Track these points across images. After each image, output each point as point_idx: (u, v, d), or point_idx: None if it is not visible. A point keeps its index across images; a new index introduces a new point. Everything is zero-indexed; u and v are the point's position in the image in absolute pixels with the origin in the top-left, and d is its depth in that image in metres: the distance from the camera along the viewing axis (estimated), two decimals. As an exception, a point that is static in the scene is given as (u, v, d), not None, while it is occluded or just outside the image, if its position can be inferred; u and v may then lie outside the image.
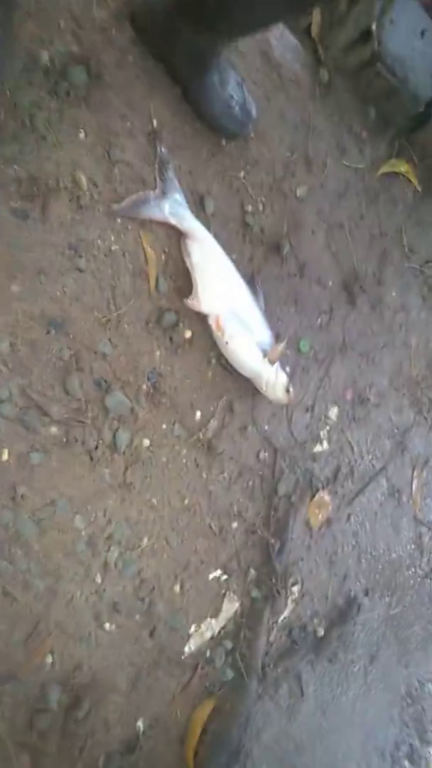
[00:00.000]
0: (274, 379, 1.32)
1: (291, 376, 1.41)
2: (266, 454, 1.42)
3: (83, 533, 1.15)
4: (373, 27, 1.33)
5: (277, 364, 1.33)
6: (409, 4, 1.36)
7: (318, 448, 1.51)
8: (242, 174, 1.34)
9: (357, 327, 1.57)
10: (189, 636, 1.33)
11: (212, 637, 1.36)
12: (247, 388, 1.36)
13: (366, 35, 1.35)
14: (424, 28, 1.41)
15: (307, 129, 1.43)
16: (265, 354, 1.29)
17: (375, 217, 1.58)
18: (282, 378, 1.33)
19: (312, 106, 1.44)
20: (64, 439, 1.11)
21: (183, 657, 1.32)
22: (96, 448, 1.14)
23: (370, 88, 1.46)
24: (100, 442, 1.15)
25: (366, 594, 1.64)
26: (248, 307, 1.29)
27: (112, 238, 1.16)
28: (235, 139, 1.32)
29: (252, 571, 1.41)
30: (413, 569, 1.75)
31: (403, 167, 1.59)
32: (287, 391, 1.34)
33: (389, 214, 1.62)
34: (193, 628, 1.33)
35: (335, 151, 1.50)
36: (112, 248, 1.17)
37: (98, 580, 1.17)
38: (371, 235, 1.59)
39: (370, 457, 1.62)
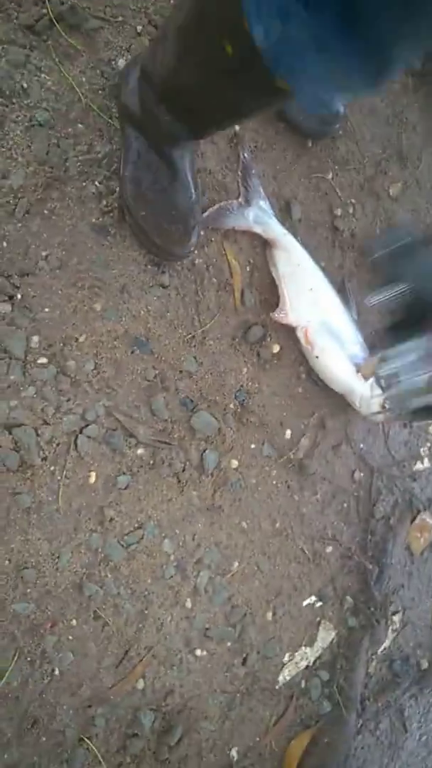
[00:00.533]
0: (368, 395, 1.25)
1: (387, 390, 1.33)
2: (362, 473, 1.35)
3: (172, 557, 1.13)
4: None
5: (371, 379, 1.25)
6: None
7: (418, 466, 1.42)
8: (330, 175, 1.28)
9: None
10: (283, 665, 1.28)
11: (307, 667, 1.31)
12: (340, 404, 1.30)
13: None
14: None
15: (400, 123, 1.35)
16: (358, 368, 1.22)
17: None
18: (377, 393, 1.26)
19: (405, 99, 1.36)
20: (151, 461, 1.09)
21: (277, 687, 1.27)
22: (183, 470, 1.12)
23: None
24: (188, 463, 1.13)
25: None
26: (339, 318, 1.23)
27: (195, 251, 1.14)
28: (322, 138, 1.26)
29: (348, 599, 1.34)
30: None
31: None
32: (383, 407, 1.26)
33: None
34: (287, 657, 1.28)
35: (431, 145, 1.40)
36: (196, 261, 1.15)
37: (188, 605, 1.15)
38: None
39: None
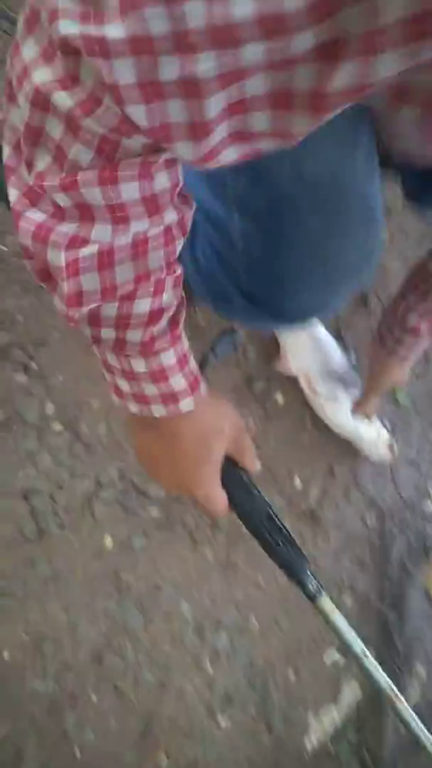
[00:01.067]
0: (375, 437, 1.26)
1: (392, 431, 1.34)
2: (373, 518, 1.34)
3: (190, 619, 1.10)
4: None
5: (376, 421, 1.27)
6: None
7: (429, 507, 1.42)
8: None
9: (457, 373, 1.49)
10: (308, 727, 1.23)
11: (334, 729, 1.26)
12: (347, 449, 1.30)
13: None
14: None
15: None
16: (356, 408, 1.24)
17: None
18: (383, 434, 1.27)
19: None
20: (165, 521, 1.08)
21: (305, 754, 1.22)
22: (196, 527, 1.11)
23: None
24: (200, 520, 1.12)
25: None
26: (340, 365, 1.25)
27: (195, 310, 1.16)
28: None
29: (371, 650, 1.31)
30: None
31: None
32: (390, 447, 1.27)
33: None
34: (312, 719, 1.24)
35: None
36: (200, 324, 1.17)
37: (209, 669, 1.11)
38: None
39: None
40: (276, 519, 0.65)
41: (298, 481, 1.25)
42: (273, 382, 1.23)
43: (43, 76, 0.37)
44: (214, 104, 0.35)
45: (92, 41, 0.33)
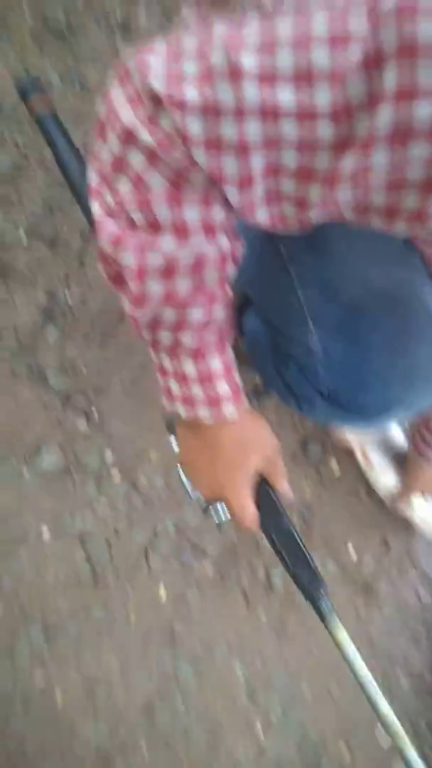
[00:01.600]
0: (427, 514, 1.27)
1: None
2: (428, 593, 1.33)
3: (242, 681, 1.11)
4: None
5: (430, 499, 1.28)
6: None
7: None
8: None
9: None
10: None
11: None
12: (401, 522, 1.32)
13: None
14: None
15: None
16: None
17: None
18: None
19: None
20: (220, 577, 1.12)
21: None
22: (250, 587, 1.14)
23: None
24: (254, 580, 1.15)
25: None
26: (397, 439, 1.29)
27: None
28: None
29: (424, 727, 1.27)
30: None
31: None
32: None
33: None
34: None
35: None
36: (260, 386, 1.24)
37: (260, 735, 1.11)
38: None
39: None
40: (300, 541, 0.70)
41: (352, 551, 1.27)
42: (329, 448, 1.28)
43: (130, 116, 0.47)
44: (256, 161, 0.46)
45: (173, 98, 0.45)
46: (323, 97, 0.41)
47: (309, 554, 0.71)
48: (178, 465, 0.75)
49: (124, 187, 0.51)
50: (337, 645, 0.73)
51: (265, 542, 1.17)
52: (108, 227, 0.53)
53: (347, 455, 1.29)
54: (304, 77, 0.41)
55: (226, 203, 0.54)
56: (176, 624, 1.07)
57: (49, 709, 0.95)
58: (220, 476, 0.68)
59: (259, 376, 1.01)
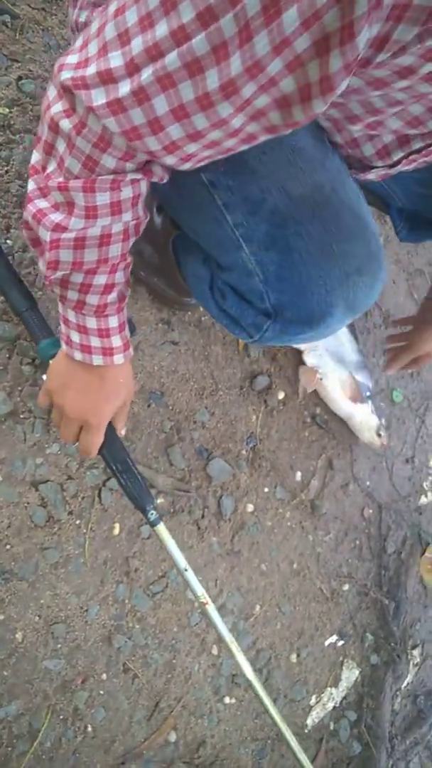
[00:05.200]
0: (366, 420, 1.25)
1: (387, 428, 1.33)
2: (371, 510, 1.33)
3: (196, 603, 1.09)
4: None
5: (370, 407, 1.26)
6: None
7: (423, 500, 1.40)
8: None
9: (449, 372, 1.47)
10: (310, 707, 1.22)
11: (335, 708, 1.25)
12: (345, 444, 1.29)
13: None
14: None
15: (378, 186, 1.40)
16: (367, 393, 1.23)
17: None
18: (374, 420, 1.26)
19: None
20: (171, 510, 1.07)
21: (306, 730, 1.21)
22: (202, 516, 1.10)
23: None
24: (206, 510, 1.11)
25: None
26: (345, 346, 1.24)
27: (201, 309, 1.15)
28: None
29: (369, 636, 1.30)
30: None
31: None
32: (379, 434, 1.26)
33: None
34: (313, 699, 1.22)
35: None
36: (202, 319, 1.16)
37: (215, 652, 1.10)
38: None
39: None
40: (132, 465, 0.83)
41: (299, 474, 1.24)
42: (275, 379, 1.22)
43: (56, 109, 0.54)
44: (159, 104, 0.47)
45: (77, 80, 0.50)
46: (188, 14, 0.42)
47: (140, 475, 0.83)
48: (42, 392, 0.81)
49: (51, 168, 0.58)
50: (167, 550, 0.84)
51: (215, 474, 1.13)
52: (35, 203, 0.60)
53: (293, 383, 1.24)
54: (171, 7, 0.42)
55: (137, 182, 0.58)
56: (131, 558, 1.02)
57: (9, 650, 0.90)
58: (93, 404, 0.76)
59: (205, 310, 0.95)
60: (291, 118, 0.48)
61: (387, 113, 0.60)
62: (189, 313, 1.14)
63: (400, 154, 0.73)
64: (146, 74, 0.46)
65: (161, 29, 0.43)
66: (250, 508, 1.17)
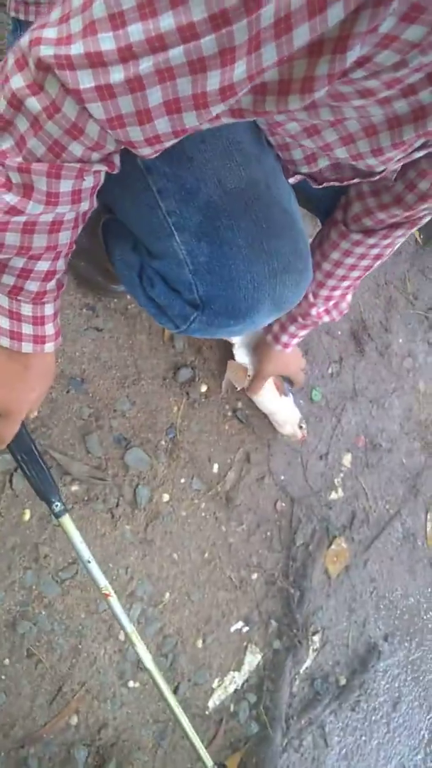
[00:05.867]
0: (289, 413, 1.27)
1: (305, 426, 1.36)
2: (283, 504, 1.36)
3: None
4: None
5: (292, 401, 1.28)
6: None
7: (333, 496, 1.45)
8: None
9: (367, 374, 1.52)
10: (213, 690, 1.25)
11: (236, 691, 1.28)
12: (264, 439, 1.32)
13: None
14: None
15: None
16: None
17: (379, 266, 1.55)
18: (296, 414, 1.29)
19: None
20: (86, 497, 1.06)
21: (207, 712, 1.24)
22: (117, 505, 1.09)
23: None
24: (121, 498, 1.10)
25: (386, 640, 1.55)
26: None
27: (128, 297, 1.13)
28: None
29: (273, 622, 1.34)
30: (431, 613, 1.66)
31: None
32: (300, 427, 1.29)
33: (393, 263, 1.59)
34: (216, 683, 1.25)
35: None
36: (128, 307, 1.14)
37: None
38: (377, 284, 1.56)
39: (384, 502, 1.55)
40: (39, 457, 0.81)
41: (216, 466, 1.25)
42: (199, 372, 1.22)
43: (18, 83, 0.48)
44: (153, 96, 0.45)
45: (61, 58, 0.44)
46: (199, 13, 0.40)
47: (47, 467, 0.82)
48: None
49: (6, 145, 0.52)
50: (69, 540, 0.83)
51: (132, 463, 1.12)
52: None
53: (216, 377, 1.25)
54: (179, 2, 0.40)
55: (99, 173, 0.56)
56: (41, 544, 1.00)
57: None
58: (15, 393, 0.73)
59: (132, 297, 0.94)
60: (262, 107, 0.49)
61: (327, 125, 0.61)
62: (115, 300, 1.12)
63: (326, 162, 0.74)
64: (145, 64, 0.43)
65: (166, 21, 0.41)
66: (166, 497, 1.17)
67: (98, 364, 1.08)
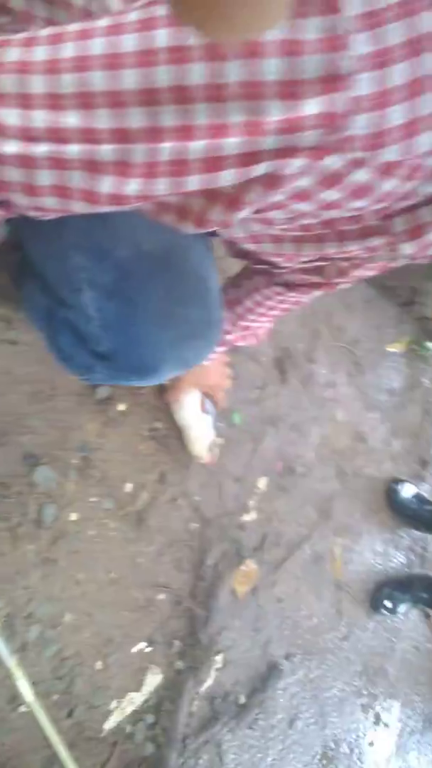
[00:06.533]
0: (203, 432, 1.26)
1: (223, 447, 1.35)
2: (196, 524, 1.35)
3: (2, 613, 1.03)
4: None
5: (211, 421, 1.27)
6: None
7: (246, 518, 1.45)
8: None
9: (288, 401, 1.53)
10: (110, 712, 1.21)
11: (134, 712, 1.25)
12: (182, 461, 1.30)
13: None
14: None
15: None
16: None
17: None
18: (210, 434, 1.28)
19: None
20: (-13, 516, 1.01)
21: (102, 734, 1.20)
22: (20, 524, 1.04)
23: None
24: (24, 517, 1.05)
25: (287, 659, 1.56)
26: None
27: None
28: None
29: (177, 643, 1.32)
30: (332, 632, 1.69)
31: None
32: (210, 447, 1.28)
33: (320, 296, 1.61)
34: (114, 704, 1.22)
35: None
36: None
37: (15, 659, 1.05)
38: (303, 315, 1.57)
39: (296, 525, 1.56)
40: None
41: (129, 486, 1.22)
42: (117, 390, 1.19)
43: None
44: (43, 177, 0.45)
45: None
46: (104, 122, 0.40)
47: None
48: None
49: None
50: None
51: (40, 481, 1.07)
52: None
53: (135, 396, 1.22)
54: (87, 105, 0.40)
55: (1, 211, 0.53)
56: None
57: None
58: None
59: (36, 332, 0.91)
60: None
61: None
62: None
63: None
64: (42, 148, 0.43)
65: (72, 119, 0.41)
66: (74, 516, 1.13)
67: (9, 378, 1.03)
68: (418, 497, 1.84)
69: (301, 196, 0.43)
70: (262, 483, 1.48)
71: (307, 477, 1.58)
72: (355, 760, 1.75)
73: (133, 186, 0.42)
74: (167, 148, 0.39)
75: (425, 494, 1.90)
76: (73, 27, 0.41)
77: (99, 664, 1.18)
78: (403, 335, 1.84)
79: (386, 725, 1.83)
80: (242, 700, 1.46)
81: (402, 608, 1.83)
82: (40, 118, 0.42)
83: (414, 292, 1.74)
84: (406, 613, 1.90)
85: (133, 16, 0.38)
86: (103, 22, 0.40)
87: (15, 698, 1.06)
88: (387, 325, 1.79)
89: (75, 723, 1.14)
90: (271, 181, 0.39)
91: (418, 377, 1.91)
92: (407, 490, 1.82)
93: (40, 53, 0.41)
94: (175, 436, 1.29)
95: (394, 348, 1.82)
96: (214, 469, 1.37)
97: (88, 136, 0.41)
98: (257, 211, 0.46)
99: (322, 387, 1.62)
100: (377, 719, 1.84)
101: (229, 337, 1.02)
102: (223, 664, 1.41)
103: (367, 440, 1.75)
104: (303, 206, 0.44)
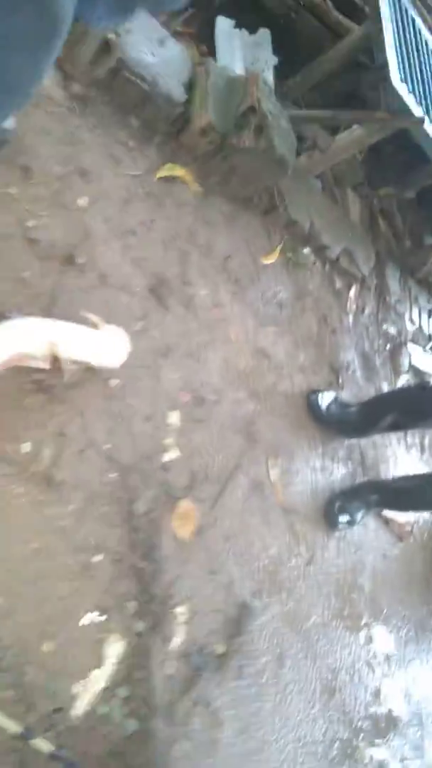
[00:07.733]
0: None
1: (121, 387, 1.34)
2: (114, 474, 1.32)
3: None
4: (112, 37, 1.36)
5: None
6: (141, 16, 1.42)
7: (167, 457, 1.44)
8: (14, 190, 1.28)
9: (175, 329, 1.55)
10: (75, 696, 1.15)
11: (103, 690, 1.20)
12: (76, 409, 1.26)
13: (106, 46, 1.38)
14: (162, 37, 1.48)
15: (74, 142, 1.41)
16: None
17: (165, 221, 1.59)
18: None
19: (74, 121, 1.43)
20: None
21: (75, 723, 1.14)
22: None
23: (124, 97, 1.49)
24: None
25: (255, 596, 1.57)
26: None
27: None
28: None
29: (130, 604, 1.28)
30: (294, 559, 1.71)
31: (178, 171, 1.63)
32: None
33: (178, 216, 1.64)
34: (78, 687, 1.16)
35: (108, 161, 1.50)
36: None
37: None
38: (166, 238, 1.59)
39: (222, 455, 1.57)
40: None
41: (27, 446, 1.18)
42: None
43: None
44: None
45: None
46: None
47: None
48: None
49: None
50: None
51: None
52: None
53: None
54: None
55: None
56: None
57: None
58: None
59: None
60: None
61: None
62: None
63: None
64: None
65: None
66: (-30, 489, 1.07)
67: None
68: (339, 402, 1.92)
69: None
70: (174, 417, 1.48)
71: (219, 404, 1.60)
72: (358, 684, 1.79)
73: None
74: None
75: (344, 399, 1.98)
76: None
77: (47, 646, 1.12)
78: (275, 245, 1.91)
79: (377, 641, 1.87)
80: (220, 649, 1.44)
81: (358, 517, 1.89)
82: None
83: (271, 196, 1.81)
84: (365, 523, 1.96)
85: None
86: None
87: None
88: (255, 236, 1.85)
89: (41, 717, 1.08)
90: None
91: (303, 285, 1.99)
92: (326, 398, 1.89)
93: None
94: (61, 384, 1.25)
95: (269, 260, 1.88)
96: (117, 412, 1.35)
97: None
98: None
99: (207, 309, 1.65)
100: (368, 639, 1.88)
101: None
102: (190, 616, 1.39)
103: (271, 356, 1.80)
104: None
